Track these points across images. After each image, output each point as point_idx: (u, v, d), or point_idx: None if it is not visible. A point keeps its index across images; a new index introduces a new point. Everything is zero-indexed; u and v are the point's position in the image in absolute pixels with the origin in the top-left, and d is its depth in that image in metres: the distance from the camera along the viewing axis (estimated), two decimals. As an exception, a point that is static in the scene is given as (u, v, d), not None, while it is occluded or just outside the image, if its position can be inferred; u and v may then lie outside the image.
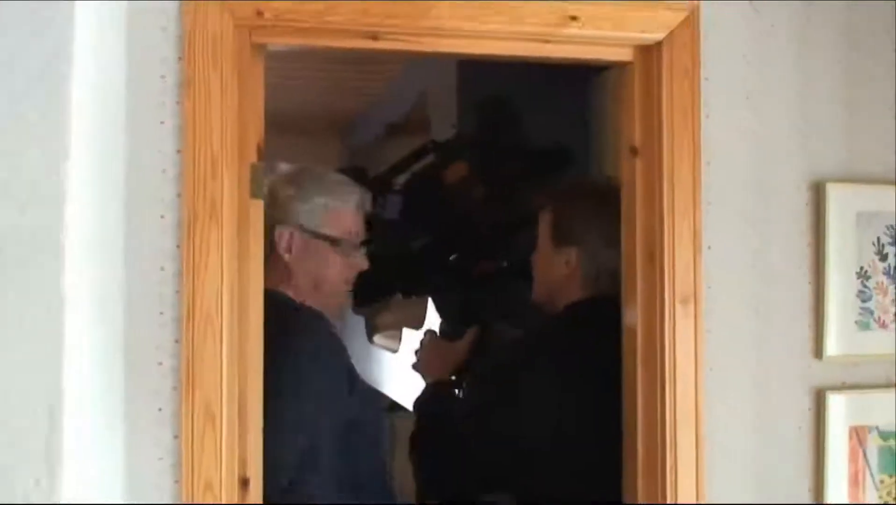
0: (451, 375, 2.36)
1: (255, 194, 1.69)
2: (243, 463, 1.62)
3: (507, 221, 2.37)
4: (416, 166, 2.60)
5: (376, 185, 2.59)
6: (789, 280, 1.82)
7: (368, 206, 2.14)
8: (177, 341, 1.57)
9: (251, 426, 1.65)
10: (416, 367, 2.42)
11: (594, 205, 2.05)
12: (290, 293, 2.01)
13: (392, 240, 2.52)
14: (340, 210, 2.06)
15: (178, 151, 1.59)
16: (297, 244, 2.03)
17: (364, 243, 2.19)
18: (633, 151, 1.81)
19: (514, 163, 2.38)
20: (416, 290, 2.60)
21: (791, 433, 1.81)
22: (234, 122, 1.60)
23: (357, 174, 2.65)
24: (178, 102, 1.59)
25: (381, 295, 2.67)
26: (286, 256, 2.02)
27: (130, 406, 1.57)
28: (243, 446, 1.62)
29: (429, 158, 2.55)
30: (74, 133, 1.54)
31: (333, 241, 2.04)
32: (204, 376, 1.57)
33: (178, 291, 1.57)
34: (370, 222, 2.56)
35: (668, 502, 1.74)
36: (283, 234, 2.02)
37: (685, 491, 1.74)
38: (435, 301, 2.55)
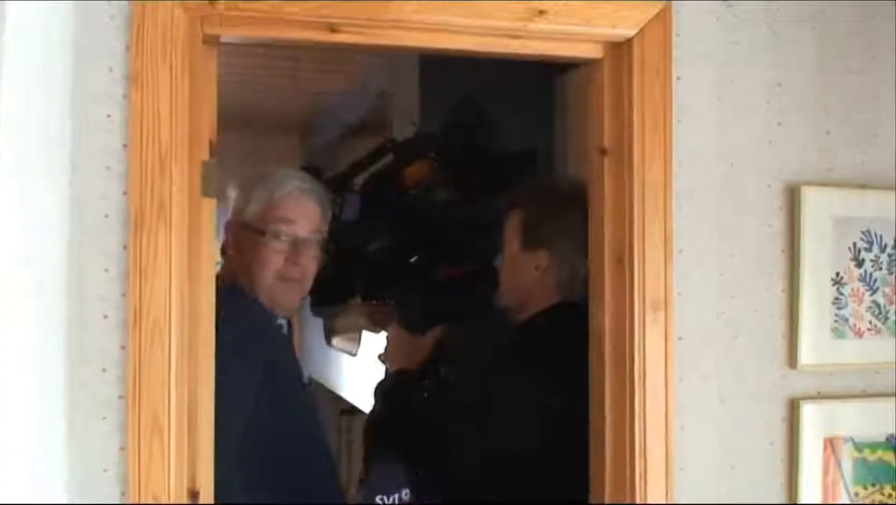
0: (415, 368, 2.31)
1: (206, 192, 1.61)
2: (192, 474, 1.54)
3: (472, 223, 2.31)
4: (375, 166, 2.53)
5: (332, 186, 2.51)
6: (763, 286, 1.77)
7: (325, 201, 2.09)
8: (122, 347, 1.49)
9: (202, 435, 1.58)
10: (381, 357, 2.38)
11: (566, 206, 1.99)
12: (245, 289, 1.96)
13: (350, 242, 2.44)
14: (278, 199, 2.01)
15: (125, 146, 1.50)
16: (235, 239, 2.02)
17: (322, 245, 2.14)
18: (602, 152, 1.76)
19: (478, 163, 2.32)
20: (375, 293, 2.53)
21: (764, 444, 1.77)
22: (185, 117, 1.53)
23: (312, 174, 2.58)
24: (125, 96, 1.51)
25: (339, 297, 2.60)
26: (231, 253, 2.02)
27: (73, 415, 1.48)
28: (193, 457, 1.54)
29: (388, 158, 2.48)
30: (13, 124, 1.45)
31: (259, 230, 1.99)
32: (151, 385, 1.48)
33: (123, 294, 1.49)
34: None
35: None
36: (226, 232, 2.02)
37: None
38: (397, 305, 2.48)
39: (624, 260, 1.72)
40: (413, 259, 2.42)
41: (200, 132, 1.57)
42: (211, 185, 1.62)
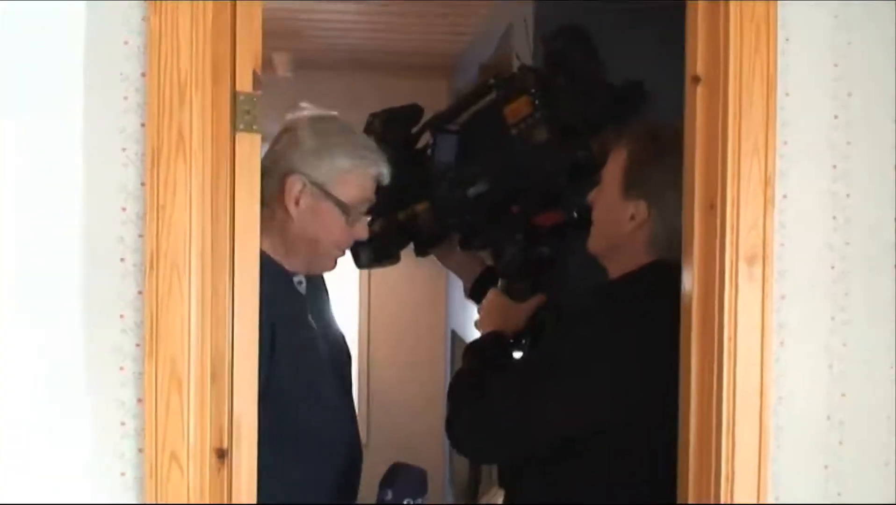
0: (510, 335, 2.15)
1: (245, 126, 1.50)
2: (219, 432, 1.44)
3: (574, 164, 2.10)
4: (478, 105, 2.36)
5: (431, 126, 2.36)
6: (881, 237, 1.50)
7: (387, 176, 2.02)
8: (140, 293, 1.40)
9: (239, 389, 1.48)
10: (476, 323, 2.23)
11: (676, 155, 1.76)
12: (265, 245, 1.81)
13: (447, 186, 2.29)
14: (359, 176, 1.95)
15: (143, 75, 1.40)
16: (306, 199, 1.89)
17: (416, 191, 2.11)
18: (695, 79, 1.53)
19: (585, 100, 2.10)
20: (473, 241, 2.36)
21: (878, 422, 1.51)
22: (207, 41, 1.41)
23: (412, 113, 2.43)
24: (144, 18, 1.40)
25: (439, 243, 2.46)
26: (291, 207, 1.88)
27: (90, 364, 1.41)
28: (219, 413, 1.44)
29: (491, 96, 2.30)
30: (27, 53, 1.37)
31: (344, 208, 1.92)
32: (168, 334, 1.39)
33: (141, 236, 1.40)
34: (424, 167, 2.38)
35: (722, 503, 1.47)
36: (294, 183, 1.88)
37: (743, 490, 1.47)
38: (493, 255, 2.32)
39: (715, 205, 1.49)
40: (514, 207, 2.23)
41: (226, 60, 1.45)
42: (251, 120, 1.51)
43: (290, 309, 1.91)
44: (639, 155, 1.83)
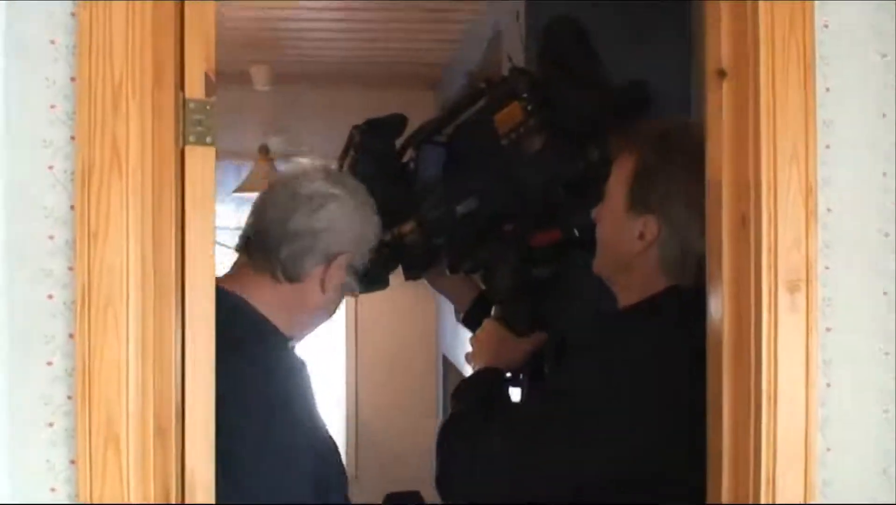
0: (505, 372, 1.94)
1: (197, 139, 1.29)
2: (164, 492, 1.23)
3: (571, 177, 1.90)
4: (467, 114, 2.15)
5: (416, 138, 2.15)
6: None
7: None
8: (71, 336, 1.19)
9: (192, 442, 1.27)
10: (468, 357, 2.01)
11: (690, 162, 1.55)
12: (265, 309, 1.70)
13: (434, 203, 2.08)
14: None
15: (72, 80, 1.19)
16: (340, 277, 1.79)
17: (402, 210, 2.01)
18: (720, 74, 1.32)
19: (582, 104, 1.90)
20: (462, 264, 2.15)
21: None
22: (146, 38, 1.20)
23: (396, 124, 2.23)
24: (72, 14, 1.19)
25: (429, 265, 2.25)
26: (328, 286, 1.77)
27: (14, 419, 1.19)
28: (165, 472, 1.23)
29: (481, 103, 2.10)
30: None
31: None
32: (104, 383, 1.17)
33: (72, 268, 1.18)
34: (409, 183, 2.17)
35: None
36: (342, 265, 1.78)
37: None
38: (485, 279, 2.10)
39: (749, 221, 1.28)
40: (508, 226, 2.02)
41: (170, 62, 1.24)
42: (203, 131, 1.31)
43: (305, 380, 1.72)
44: (645, 162, 1.62)
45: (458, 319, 2.33)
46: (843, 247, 1.29)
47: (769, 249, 1.26)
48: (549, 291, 2.03)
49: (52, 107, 1.19)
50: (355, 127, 2.24)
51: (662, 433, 1.47)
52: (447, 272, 2.20)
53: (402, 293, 4.76)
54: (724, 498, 1.31)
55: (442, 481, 1.71)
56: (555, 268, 2.01)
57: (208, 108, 1.32)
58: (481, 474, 1.63)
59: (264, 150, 4.88)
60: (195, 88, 1.31)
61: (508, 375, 1.96)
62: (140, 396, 1.18)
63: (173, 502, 1.23)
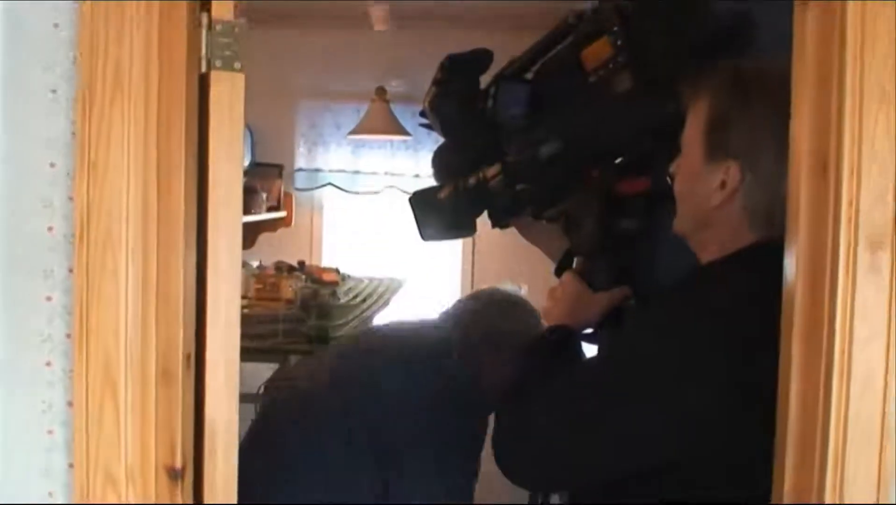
0: (581, 330, 1.81)
1: (222, 63, 1.22)
2: (169, 447, 1.17)
3: (662, 120, 1.74)
4: (556, 51, 2.01)
5: (502, 77, 2.02)
6: None
7: None
8: (71, 270, 1.14)
9: (213, 391, 1.21)
10: (543, 311, 1.90)
11: (772, 102, 1.40)
12: None
13: (517, 145, 1.96)
14: None
15: (76, -5, 1.13)
16: None
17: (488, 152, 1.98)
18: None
19: (677, 38, 1.74)
20: (545, 211, 2.02)
21: None
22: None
23: (480, 60, 2.11)
24: (76, -78, 1.13)
25: (517, 212, 2.13)
26: None
27: (10, 359, 1.15)
28: (170, 424, 1.17)
29: (569, 41, 1.96)
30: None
31: None
32: (102, 324, 1.12)
33: (72, 198, 1.13)
34: (491, 125, 2.05)
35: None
36: None
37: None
38: (567, 229, 1.97)
39: (829, 170, 1.12)
40: (594, 171, 1.88)
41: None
42: (232, 56, 1.23)
43: None
44: (723, 105, 1.47)
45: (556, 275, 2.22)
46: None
47: (850, 202, 1.10)
48: (635, 246, 1.88)
49: (56, 26, 1.13)
50: (440, 64, 2.14)
51: (733, 406, 1.32)
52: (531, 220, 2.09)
53: (516, 245, 4.64)
54: (787, 485, 1.16)
55: (498, 444, 1.61)
56: (641, 221, 1.87)
57: (236, 30, 1.24)
58: (534, 447, 1.52)
59: (381, 92, 4.82)
60: (222, 9, 1.23)
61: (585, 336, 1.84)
62: (139, 339, 1.12)
63: (179, 456, 1.17)
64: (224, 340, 1.23)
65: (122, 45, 1.10)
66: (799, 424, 1.16)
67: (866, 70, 1.08)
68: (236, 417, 1.24)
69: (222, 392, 1.23)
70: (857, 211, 1.09)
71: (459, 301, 2.66)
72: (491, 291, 2.69)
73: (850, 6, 1.08)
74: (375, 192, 5.30)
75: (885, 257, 1.09)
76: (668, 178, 1.65)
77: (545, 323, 1.86)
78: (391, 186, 5.28)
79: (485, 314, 2.52)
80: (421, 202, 2.25)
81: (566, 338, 1.77)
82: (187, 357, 1.17)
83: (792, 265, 1.18)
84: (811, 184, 1.15)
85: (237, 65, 1.24)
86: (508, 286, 2.75)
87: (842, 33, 1.09)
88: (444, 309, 2.63)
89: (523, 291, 2.82)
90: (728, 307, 1.41)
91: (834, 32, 1.10)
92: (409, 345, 2.44)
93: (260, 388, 3.61)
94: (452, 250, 5.43)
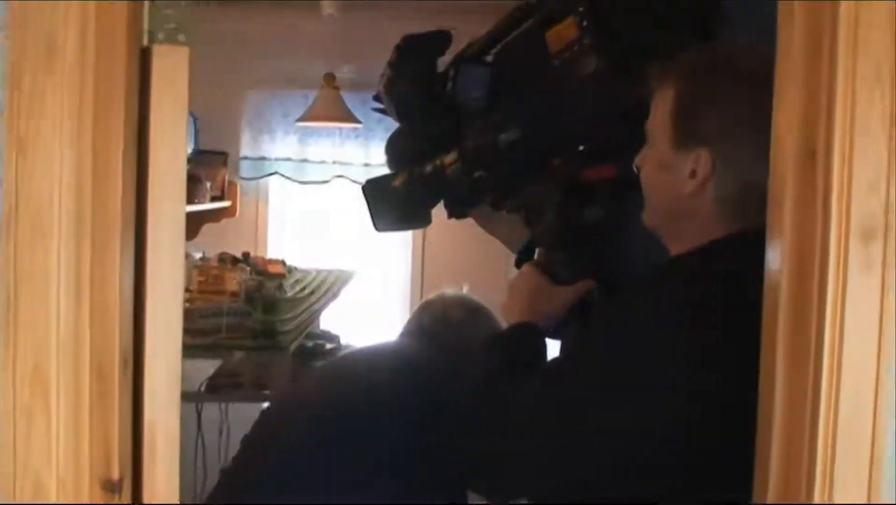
0: (544, 328, 1.74)
1: (165, 35, 1.13)
2: (104, 457, 1.08)
3: (629, 104, 1.68)
4: (519, 31, 1.94)
5: (461, 59, 1.95)
6: None
7: None
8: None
9: (154, 391, 1.12)
10: (502, 309, 1.81)
11: (741, 84, 1.36)
12: None
13: (476, 130, 1.89)
14: None
15: (3, -42, 1.03)
16: None
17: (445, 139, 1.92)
18: (793, -27, 1.10)
19: (645, 19, 1.68)
20: (505, 201, 1.96)
21: None
22: None
23: (438, 42, 2.03)
24: None
25: (475, 202, 2.06)
26: None
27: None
28: (106, 432, 1.07)
29: (532, 21, 1.89)
30: None
31: None
32: (31, 319, 1.02)
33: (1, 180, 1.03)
34: (449, 109, 1.98)
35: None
36: None
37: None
38: (528, 219, 1.90)
39: (818, 157, 1.06)
40: (556, 159, 1.82)
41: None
42: (175, 28, 1.14)
43: None
44: (690, 88, 1.42)
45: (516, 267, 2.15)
46: (936, 190, 1.06)
47: (841, 191, 1.03)
48: (600, 237, 1.82)
49: (-18, -8, 1.03)
50: (396, 45, 2.06)
51: (704, 408, 1.27)
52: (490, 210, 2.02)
53: (469, 236, 4.57)
54: (771, 496, 1.11)
55: (461, 457, 1.55)
56: (607, 210, 1.80)
57: (183, 2, 1.15)
58: (505, 454, 1.45)
59: (330, 79, 4.73)
60: (165, -21, 1.14)
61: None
62: (72, 338, 1.03)
63: (116, 467, 1.08)
64: (165, 340, 1.14)
65: (56, 15, 1.01)
66: (784, 426, 1.10)
67: (861, 48, 1.02)
68: (178, 423, 1.15)
69: (163, 396, 1.14)
70: (849, 201, 1.03)
71: (418, 324, 2.60)
72: (444, 310, 2.61)
73: (844, -20, 1.02)
74: (324, 182, 5.22)
75: (877, 250, 1.03)
76: (634, 169, 1.60)
77: (505, 319, 1.79)
78: (340, 176, 5.20)
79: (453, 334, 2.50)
80: (374, 191, 2.17)
81: (529, 336, 1.70)
82: (124, 358, 1.08)
83: (775, 259, 1.12)
84: (798, 172, 1.09)
85: (181, 37, 1.15)
86: (449, 291, 2.71)
87: (834, 10, 1.03)
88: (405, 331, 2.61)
89: (465, 290, 2.80)
90: (699, 302, 1.35)
91: (825, 9, 1.04)
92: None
93: (201, 385, 3.52)
94: (403, 241, 5.36)
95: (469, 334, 2.42)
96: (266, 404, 3.08)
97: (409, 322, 2.60)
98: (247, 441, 2.42)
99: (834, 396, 1.04)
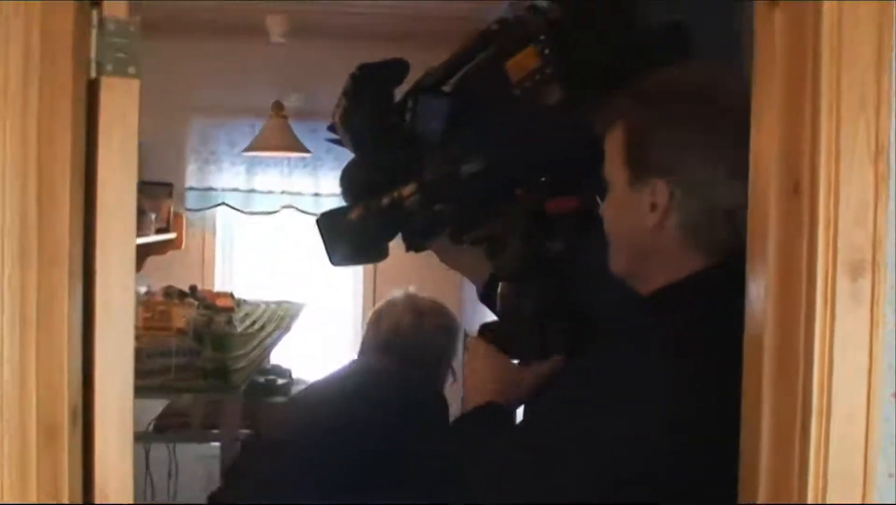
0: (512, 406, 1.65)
1: (114, 67, 1.07)
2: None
3: (595, 137, 1.64)
4: (478, 60, 1.90)
5: (419, 88, 1.90)
6: None
7: None
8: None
9: (105, 439, 1.06)
10: (470, 386, 1.70)
11: (696, 110, 1.32)
12: None
13: (436, 162, 1.84)
14: None
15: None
16: None
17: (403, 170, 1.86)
18: (773, 0, 1.07)
19: (608, 48, 1.65)
20: (466, 234, 1.91)
21: None
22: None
23: (396, 71, 1.98)
24: None
25: (434, 234, 2.01)
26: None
27: None
28: (58, 491, 1.00)
29: (492, 49, 1.85)
30: None
31: None
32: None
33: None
34: (407, 140, 1.93)
35: None
36: None
37: None
38: (490, 252, 1.86)
39: (802, 189, 1.03)
40: (519, 190, 1.77)
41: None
42: (125, 59, 1.08)
43: None
44: (640, 120, 1.37)
45: (480, 299, 2.09)
46: (923, 222, 1.03)
47: (827, 224, 1.00)
48: (564, 270, 1.78)
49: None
50: (351, 74, 2.01)
51: (689, 453, 1.22)
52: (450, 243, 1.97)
53: (422, 264, 4.51)
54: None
55: None
56: (571, 243, 1.76)
57: (132, 29, 1.09)
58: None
59: (278, 108, 4.66)
60: (115, 6, 1.08)
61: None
62: (17, 389, 0.96)
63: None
64: (117, 387, 1.08)
65: (-5, 45, 0.94)
66: (770, 470, 1.06)
67: (845, 77, 0.99)
68: (131, 477, 1.08)
69: (114, 449, 1.07)
70: (836, 233, 1.00)
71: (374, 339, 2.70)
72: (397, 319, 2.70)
73: (826, 5, 0.99)
74: (272, 212, 5.14)
75: (866, 285, 1.00)
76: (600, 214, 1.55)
77: (470, 398, 1.70)
78: (289, 206, 5.12)
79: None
80: (329, 224, 2.11)
81: (497, 416, 1.60)
82: (73, 410, 1.01)
83: (758, 296, 1.09)
84: (781, 206, 1.05)
85: (131, 69, 1.09)
86: (397, 293, 2.84)
87: (816, 34, 1.00)
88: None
89: (412, 290, 2.90)
90: (680, 343, 1.30)
91: (807, 34, 1.01)
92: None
93: (149, 425, 3.42)
94: (354, 272, 5.29)
95: (425, 340, 2.65)
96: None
97: (365, 337, 2.73)
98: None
99: (824, 443, 1.00)
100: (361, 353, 2.73)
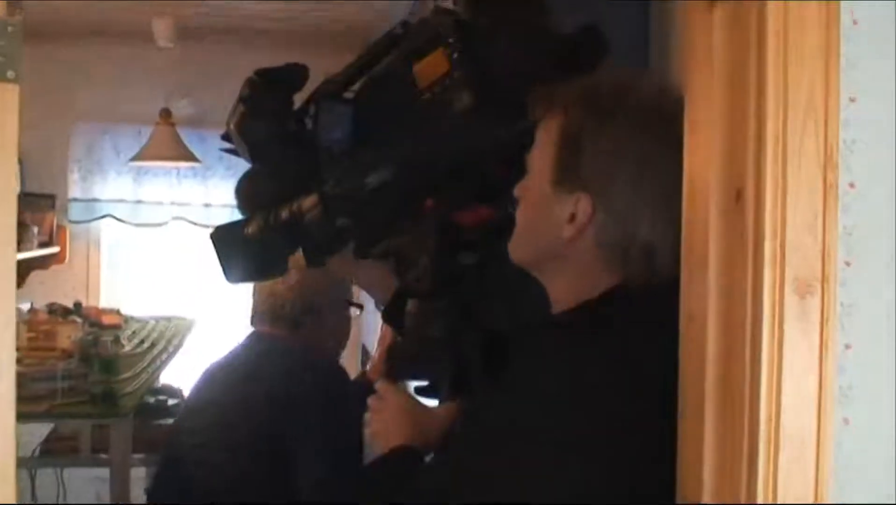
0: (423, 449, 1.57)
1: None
2: None
3: (510, 143, 1.56)
4: (382, 64, 1.81)
5: (319, 95, 1.80)
6: None
7: None
8: None
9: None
10: (375, 432, 1.63)
11: (634, 125, 1.25)
12: None
13: (339, 173, 1.74)
14: None
15: None
16: None
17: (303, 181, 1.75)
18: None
19: (521, 52, 1.57)
20: (371, 248, 1.81)
21: None
22: None
23: (294, 76, 1.87)
24: None
25: (336, 248, 1.91)
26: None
27: None
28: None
29: (398, 53, 1.76)
30: None
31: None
32: None
33: None
34: (307, 149, 1.82)
35: None
36: None
37: None
38: (397, 265, 1.76)
39: (745, 198, 0.95)
40: (428, 201, 1.68)
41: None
42: (5, 63, 0.96)
43: None
44: (575, 125, 1.30)
45: (382, 317, 1.99)
46: (870, 236, 0.97)
47: (773, 236, 0.93)
48: (475, 284, 1.69)
49: None
50: (247, 80, 1.89)
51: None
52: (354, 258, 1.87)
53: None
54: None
55: None
56: (483, 255, 1.68)
57: (11, 30, 0.97)
58: None
59: (166, 114, 4.49)
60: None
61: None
62: None
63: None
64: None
65: None
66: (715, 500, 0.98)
67: (792, 77, 0.92)
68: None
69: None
70: (783, 248, 0.92)
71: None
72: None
73: (771, 5, 0.91)
74: (160, 224, 4.95)
75: (815, 303, 0.93)
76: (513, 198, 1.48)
77: (375, 447, 1.61)
78: (178, 217, 4.95)
79: None
80: (224, 239, 1.98)
81: (410, 459, 1.51)
82: None
83: (698, 316, 1.01)
84: (723, 217, 0.98)
85: (11, 74, 0.98)
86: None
87: (761, 34, 0.92)
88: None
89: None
90: (599, 366, 1.22)
91: (750, 34, 0.94)
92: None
93: (35, 449, 3.23)
94: (245, 285, 5.13)
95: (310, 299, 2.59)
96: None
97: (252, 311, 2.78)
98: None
99: (772, 467, 0.93)
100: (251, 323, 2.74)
